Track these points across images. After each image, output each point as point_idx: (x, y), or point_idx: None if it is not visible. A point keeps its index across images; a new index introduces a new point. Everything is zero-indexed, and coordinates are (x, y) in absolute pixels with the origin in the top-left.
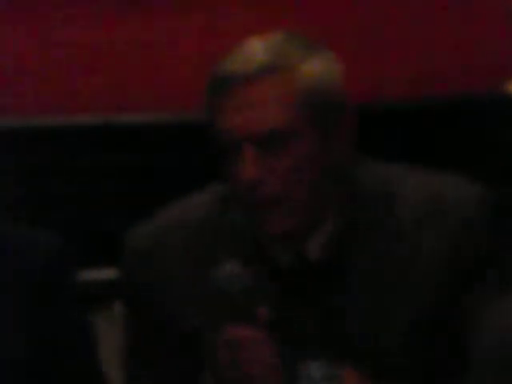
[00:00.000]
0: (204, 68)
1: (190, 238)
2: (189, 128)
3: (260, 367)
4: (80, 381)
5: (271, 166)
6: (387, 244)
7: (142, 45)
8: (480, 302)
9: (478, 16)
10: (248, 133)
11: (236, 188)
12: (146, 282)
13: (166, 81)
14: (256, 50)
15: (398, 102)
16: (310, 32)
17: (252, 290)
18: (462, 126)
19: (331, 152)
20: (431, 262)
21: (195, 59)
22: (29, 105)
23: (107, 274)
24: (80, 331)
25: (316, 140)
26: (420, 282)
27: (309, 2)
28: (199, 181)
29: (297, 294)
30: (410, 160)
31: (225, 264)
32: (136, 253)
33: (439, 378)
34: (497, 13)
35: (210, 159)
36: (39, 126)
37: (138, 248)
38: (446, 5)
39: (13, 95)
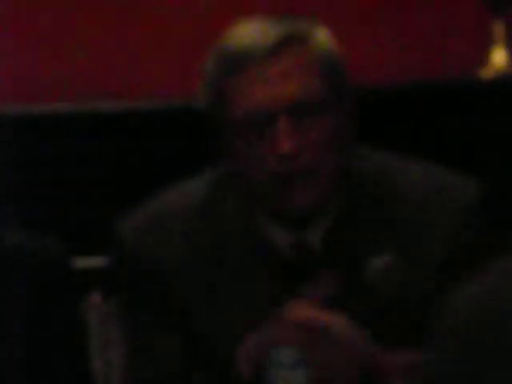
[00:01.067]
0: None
1: (188, 227)
2: (173, 115)
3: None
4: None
5: (305, 138)
6: (387, 232)
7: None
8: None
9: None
10: (281, 105)
11: (259, 165)
12: (154, 270)
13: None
14: (263, 27)
15: (370, 87)
16: None
17: (255, 280)
18: (436, 112)
19: (349, 128)
20: (431, 249)
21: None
22: (6, 92)
23: (84, 263)
24: (76, 333)
25: (340, 113)
26: (419, 270)
27: None
28: (187, 167)
29: (298, 283)
30: (386, 147)
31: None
32: (135, 245)
33: None
34: None
35: (197, 145)
36: (19, 114)
37: (136, 240)
38: None
39: None
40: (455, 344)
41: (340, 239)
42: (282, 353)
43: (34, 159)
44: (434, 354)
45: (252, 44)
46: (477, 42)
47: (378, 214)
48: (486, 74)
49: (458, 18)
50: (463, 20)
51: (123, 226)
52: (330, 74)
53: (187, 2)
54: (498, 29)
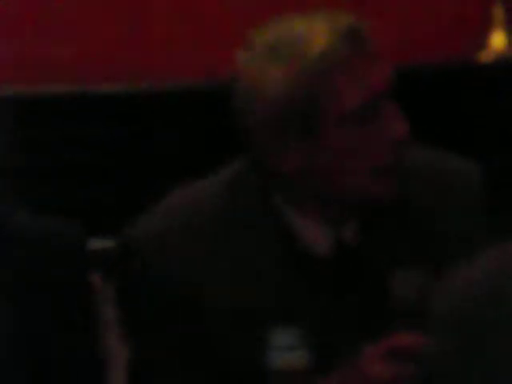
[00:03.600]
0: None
1: (211, 234)
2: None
3: None
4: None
5: None
6: (411, 220)
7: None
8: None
9: None
10: (386, 90)
11: (367, 154)
12: (179, 280)
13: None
14: (318, 21)
15: None
16: None
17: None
18: (436, 95)
19: None
20: (446, 236)
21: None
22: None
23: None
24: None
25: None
26: (440, 254)
27: None
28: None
29: (334, 282)
30: None
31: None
32: (158, 255)
33: None
34: None
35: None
36: (15, 96)
37: (159, 250)
38: None
39: None
40: (453, 327)
41: (373, 238)
42: (282, 336)
43: (39, 143)
44: (432, 338)
45: (357, 27)
46: (477, 25)
47: (403, 216)
48: (486, 57)
49: (459, 1)
50: (464, 4)
51: (141, 232)
52: None
53: None
54: (498, 13)
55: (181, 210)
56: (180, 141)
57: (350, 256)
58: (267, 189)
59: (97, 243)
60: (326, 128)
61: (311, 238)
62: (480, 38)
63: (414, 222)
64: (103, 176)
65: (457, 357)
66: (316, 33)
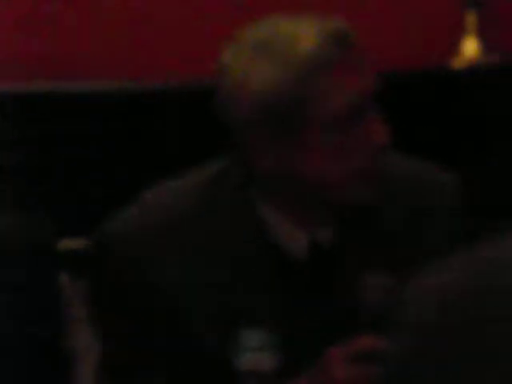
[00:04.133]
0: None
1: (186, 236)
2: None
3: None
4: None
5: None
6: (386, 226)
7: None
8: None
9: None
10: (369, 96)
11: (348, 159)
12: (148, 283)
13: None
14: (308, 23)
15: None
16: None
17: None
18: (408, 101)
19: None
20: (421, 242)
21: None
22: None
23: None
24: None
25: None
26: (412, 260)
27: None
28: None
29: (310, 283)
30: None
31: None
32: (129, 256)
33: None
34: None
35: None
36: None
37: (129, 251)
38: None
39: None
40: (417, 333)
41: (347, 241)
42: (251, 337)
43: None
44: (394, 343)
45: (341, 29)
46: (449, 32)
47: (377, 222)
48: (458, 63)
49: (432, 8)
50: (436, 10)
51: (115, 231)
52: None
53: None
54: (471, 19)
55: (156, 208)
56: (158, 140)
57: (324, 258)
58: (246, 188)
59: (67, 243)
60: (308, 129)
61: (287, 239)
62: (453, 45)
63: (388, 228)
64: (75, 176)
65: (417, 362)
66: (303, 34)
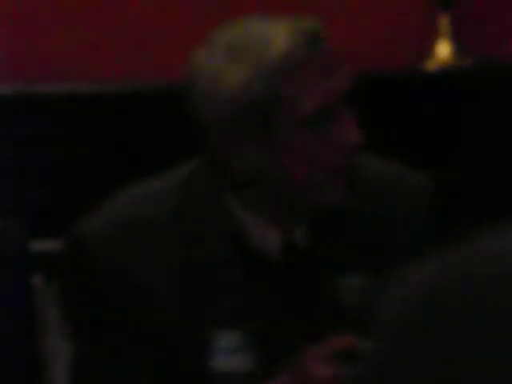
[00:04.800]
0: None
1: (161, 235)
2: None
3: None
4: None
5: None
6: (361, 227)
7: None
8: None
9: None
10: (341, 96)
11: (318, 158)
12: (122, 283)
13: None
14: (276, 24)
15: None
16: None
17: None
18: (382, 104)
19: None
20: (393, 244)
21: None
22: None
23: None
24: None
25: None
26: (387, 261)
27: None
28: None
29: (285, 284)
30: None
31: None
32: (103, 255)
33: None
34: None
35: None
36: None
37: (104, 250)
38: None
39: None
40: (392, 335)
41: (323, 242)
42: (224, 338)
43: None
44: (377, 340)
45: (313, 30)
46: (423, 34)
47: (352, 222)
48: (431, 66)
49: (405, 10)
50: (410, 12)
51: (88, 231)
52: None
53: None
54: (444, 22)
55: (129, 208)
56: (135, 142)
57: (300, 259)
58: (220, 188)
59: (40, 244)
60: (281, 129)
61: (262, 240)
62: (426, 47)
63: (363, 229)
64: (48, 177)
65: (400, 359)
66: (276, 34)
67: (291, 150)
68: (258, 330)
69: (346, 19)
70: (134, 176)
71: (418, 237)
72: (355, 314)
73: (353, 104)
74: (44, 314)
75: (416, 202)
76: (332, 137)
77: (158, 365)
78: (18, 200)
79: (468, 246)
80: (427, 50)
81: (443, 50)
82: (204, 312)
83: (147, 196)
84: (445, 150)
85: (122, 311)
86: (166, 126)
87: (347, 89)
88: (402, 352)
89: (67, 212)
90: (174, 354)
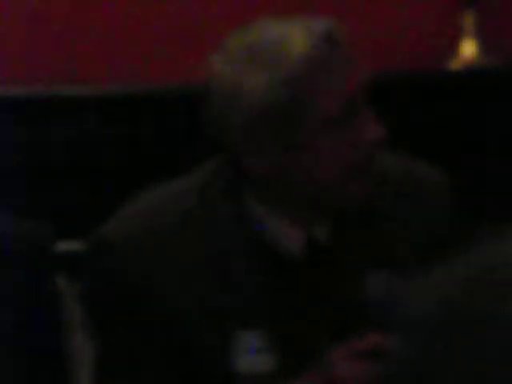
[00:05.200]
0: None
1: (180, 237)
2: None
3: None
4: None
5: None
6: (378, 222)
7: None
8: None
9: None
10: (363, 92)
11: (343, 155)
12: (148, 286)
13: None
14: (295, 25)
15: None
16: None
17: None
18: (407, 103)
19: None
20: (414, 238)
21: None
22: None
23: None
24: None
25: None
26: (409, 257)
27: None
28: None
29: (308, 282)
30: None
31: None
32: (130, 257)
33: None
34: None
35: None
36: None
37: (131, 251)
38: None
39: None
40: (417, 338)
41: (345, 239)
42: (247, 339)
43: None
44: (399, 340)
45: (313, 42)
46: (447, 33)
47: (373, 219)
48: (455, 65)
49: (429, 9)
50: (434, 11)
51: (111, 231)
52: None
53: None
54: (468, 20)
55: (151, 209)
56: (152, 144)
57: (323, 256)
58: (240, 189)
59: (64, 245)
60: (303, 131)
61: (284, 239)
62: (450, 46)
63: (383, 225)
64: (72, 178)
65: (424, 359)
66: (294, 36)
67: (314, 151)
68: (281, 329)
69: (370, 18)
70: (155, 177)
71: (438, 233)
72: (381, 310)
73: (376, 103)
74: (68, 315)
75: (435, 198)
76: (355, 135)
77: (181, 366)
78: (42, 201)
79: (491, 246)
80: (451, 48)
81: (468, 48)
82: (226, 312)
83: (168, 197)
84: (470, 151)
85: (145, 313)
86: (181, 128)
87: (368, 87)
88: (427, 351)
89: (91, 213)
90: (196, 354)
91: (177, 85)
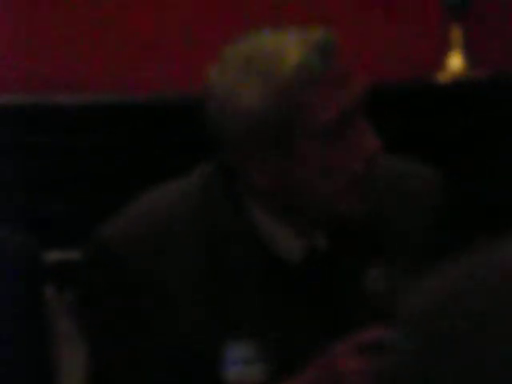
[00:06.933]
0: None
1: (183, 237)
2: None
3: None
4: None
5: None
6: (374, 222)
7: None
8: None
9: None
10: (360, 104)
11: (340, 167)
12: (145, 284)
13: None
14: (290, 36)
15: None
16: None
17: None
18: (394, 115)
19: None
20: (409, 236)
21: None
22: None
23: None
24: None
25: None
26: (405, 254)
27: None
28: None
29: (306, 288)
30: None
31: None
32: (126, 256)
33: None
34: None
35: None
36: None
37: (128, 251)
38: None
39: None
40: (418, 332)
41: (343, 242)
42: (238, 349)
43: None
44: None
45: (326, 40)
46: (435, 46)
47: (370, 220)
48: (443, 78)
49: (417, 22)
50: (422, 24)
51: (113, 233)
52: None
53: None
54: (456, 34)
55: (150, 210)
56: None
57: (321, 262)
58: (238, 192)
59: (52, 255)
60: (299, 142)
61: (282, 245)
62: (438, 59)
63: (380, 225)
64: (62, 187)
65: (422, 357)
66: (289, 47)
67: (311, 162)
68: (277, 337)
69: (358, 31)
70: (145, 187)
71: (432, 231)
72: (381, 306)
73: (365, 115)
74: (56, 325)
75: (429, 197)
76: (351, 146)
77: (173, 373)
78: (28, 211)
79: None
80: (439, 61)
81: (455, 61)
82: (222, 316)
83: (168, 198)
84: (457, 162)
85: (147, 311)
86: (179, 136)
87: (363, 98)
88: (426, 347)
89: (78, 222)
90: (188, 362)
91: (172, 94)
